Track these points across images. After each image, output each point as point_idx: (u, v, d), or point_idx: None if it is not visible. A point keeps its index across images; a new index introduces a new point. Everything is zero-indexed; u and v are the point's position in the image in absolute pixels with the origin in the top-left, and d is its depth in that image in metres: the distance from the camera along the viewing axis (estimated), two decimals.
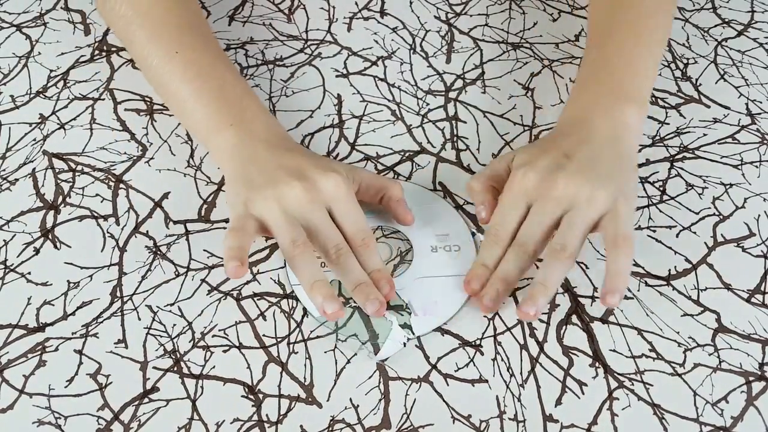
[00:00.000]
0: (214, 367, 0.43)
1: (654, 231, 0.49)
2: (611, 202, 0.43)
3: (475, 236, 0.48)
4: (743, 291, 0.46)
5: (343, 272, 0.43)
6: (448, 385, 0.42)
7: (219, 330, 0.44)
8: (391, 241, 0.48)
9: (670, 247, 0.48)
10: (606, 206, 0.43)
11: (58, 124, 0.55)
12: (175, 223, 0.49)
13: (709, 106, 0.57)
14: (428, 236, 0.48)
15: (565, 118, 0.49)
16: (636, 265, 0.47)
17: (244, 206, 0.43)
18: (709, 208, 0.50)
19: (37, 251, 0.47)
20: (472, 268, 0.45)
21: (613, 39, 0.50)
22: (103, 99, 0.56)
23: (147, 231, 0.48)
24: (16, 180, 0.51)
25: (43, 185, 0.51)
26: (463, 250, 0.47)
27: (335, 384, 0.42)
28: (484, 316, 0.45)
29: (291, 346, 0.43)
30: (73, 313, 0.45)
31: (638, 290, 0.46)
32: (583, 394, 0.42)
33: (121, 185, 0.51)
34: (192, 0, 0.54)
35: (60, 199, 0.50)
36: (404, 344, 0.43)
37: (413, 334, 0.43)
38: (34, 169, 0.52)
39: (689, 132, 0.55)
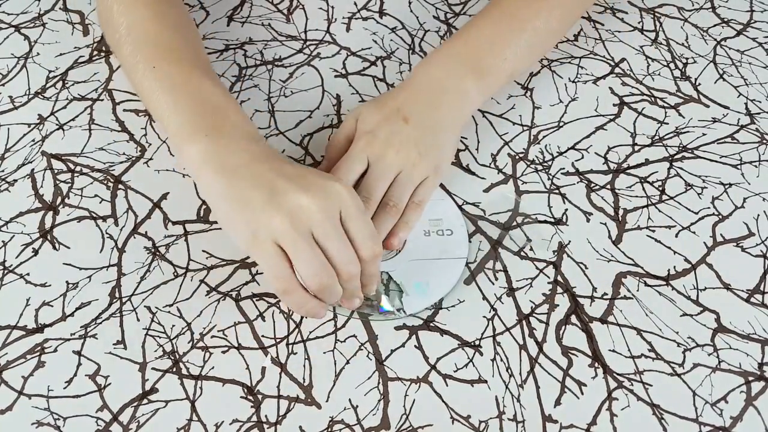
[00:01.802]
0: (213, 367, 0.42)
1: (653, 231, 0.49)
2: (432, 169, 0.48)
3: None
4: (743, 291, 0.46)
5: (343, 288, 0.42)
6: (447, 385, 0.42)
7: (218, 331, 0.44)
8: None
9: (669, 247, 0.48)
10: (426, 173, 0.48)
11: (56, 124, 0.54)
12: (174, 223, 0.49)
13: (708, 106, 0.57)
14: (422, 221, 0.48)
15: (415, 81, 0.50)
16: (635, 265, 0.47)
17: (268, 238, 0.40)
18: (709, 207, 0.50)
19: (35, 252, 0.47)
20: None
21: (487, 15, 0.54)
22: (102, 99, 0.56)
23: (146, 232, 0.48)
24: (15, 181, 0.51)
25: (41, 186, 0.51)
26: (455, 234, 0.48)
27: (334, 385, 0.42)
28: (483, 317, 0.45)
29: (290, 346, 0.43)
30: (71, 314, 0.45)
31: (638, 290, 0.46)
32: (582, 394, 0.42)
33: (120, 186, 0.51)
34: (179, 7, 0.53)
35: (59, 199, 0.50)
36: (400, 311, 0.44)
37: (405, 313, 0.44)
38: (32, 170, 0.52)
39: (688, 132, 0.55)
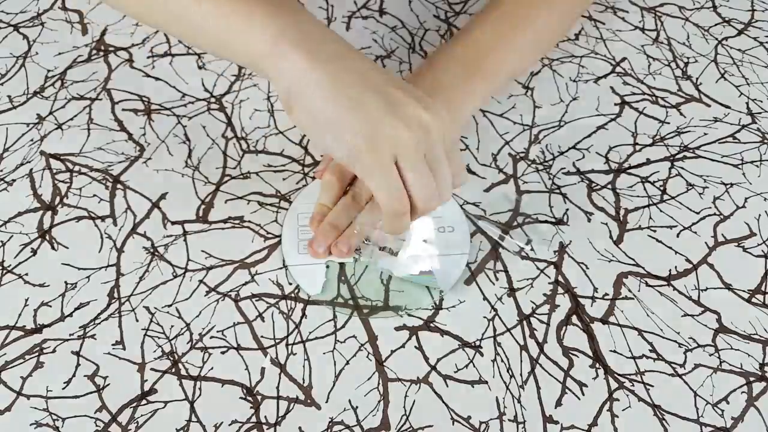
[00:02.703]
0: (212, 368, 0.42)
1: (654, 231, 0.49)
2: None
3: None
4: (744, 291, 0.46)
5: (398, 223, 0.39)
6: (447, 386, 0.42)
7: (217, 331, 0.44)
8: None
9: (670, 247, 0.48)
10: None
11: (55, 124, 0.54)
12: (173, 223, 0.49)
13: (709, 105, 0.57)
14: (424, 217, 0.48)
15: (417, 82, 0.47)
16: (636, 265, 0.47)
17: (377, 147, 0.36)
18: (710, 207, 0.50)
19: (34, 252, 0.47)
20: (321, 228, 0.45)
21: (488, 15, 0.52)
22: (101, 99, 0.56)
23: (145, 232, 0.48)
24: (14, 181, 0.51)
25: (40, 186, 0.51)
26: (456, 230, 0.48)
27: (334, 385, 0.42)
28: (484, 317, 0.45)
29: (289, 347, 0.43)
30: (70, 315, 0.44)
31: (638, 290, 0.46)
32: (583, 395, 0.42)
33: (119, 186, 0.51)
34: None
35: (57, 199, 0.50)
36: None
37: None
38: (31, 169, 0.52)
39: (690, 131, 0.55)
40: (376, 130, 0.36)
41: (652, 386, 0.42)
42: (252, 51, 0.39)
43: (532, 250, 0.48)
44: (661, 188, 0.51)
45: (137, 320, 0.44)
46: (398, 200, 0.37)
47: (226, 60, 0.47)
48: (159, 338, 0.43)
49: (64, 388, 0.41)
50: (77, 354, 0.43)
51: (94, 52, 0.59)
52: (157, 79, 0.57)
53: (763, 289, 0.46)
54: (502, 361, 0.43)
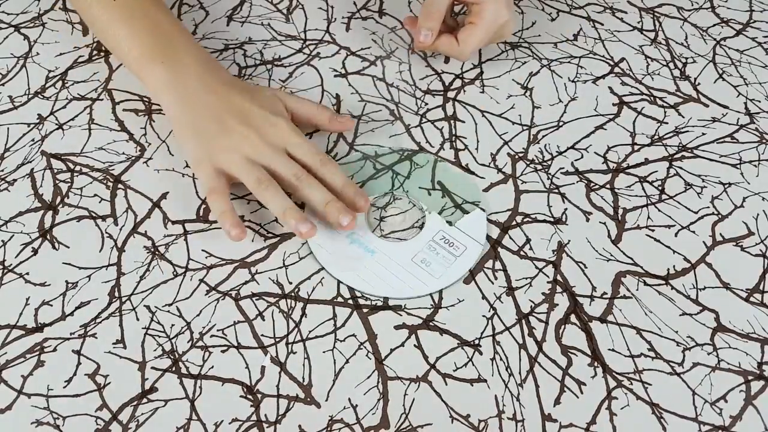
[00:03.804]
0: (212, 367, 0.42)
1: (653, 230, 0.49)
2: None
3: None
4: (742, 290, 0.46)
5: (309, 195, 0.47)
6: (446, 384, 0.42)
7: (217, 330, 0.44)
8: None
9: (668, 247, 0.48)
10: None
11: (56, 124, 0.54)
12: (173, 223, 0.49)
13: (707, 106, 0.57)
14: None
15: None
16: (634, 264, 0.47)
17: (208, 162, 0.48)
18: (708, 207, 0.50)
19: (35, 251, 0.47)
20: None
21: None
22: (102, 99, 0.56)
23: (145, 231, 0.48)
24: (15, 180, 0.51)
25: (41, 185, 0.51)
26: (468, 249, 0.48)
27: (334, 384, 0.42)
28: (483, 316, 0.45)
29: (289, 346, 0.43)
30: (71, 314, 0.45)
31: (637, 289, 0.46)
32: (581, 393, 0.42)
33: (120, 185, 0.51)
34: None
35: (58, 199, 0.50)
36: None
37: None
38: (32, 169, 0.52)
39: (688, 131, 0.55)
40: (207, 150, 0.48)
41: (651, 385, 0.42)
42: (142, 81, 0.52)
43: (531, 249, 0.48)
44: (660, 188, 0.51)
45: (138, 319, 0.44)
46: (216, 189, 0.47)
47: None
48: (159, 337, 0.44)
49: (64, 387, 0.42)
50: (78, 353, 0.43)
51: (95, 52, 0.60)
52: None
53: (761, 288, 0.47)
54: (501, 359, 0.43)
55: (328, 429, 0.40)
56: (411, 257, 0.47)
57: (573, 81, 0.58)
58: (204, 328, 0.44)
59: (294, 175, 0.47)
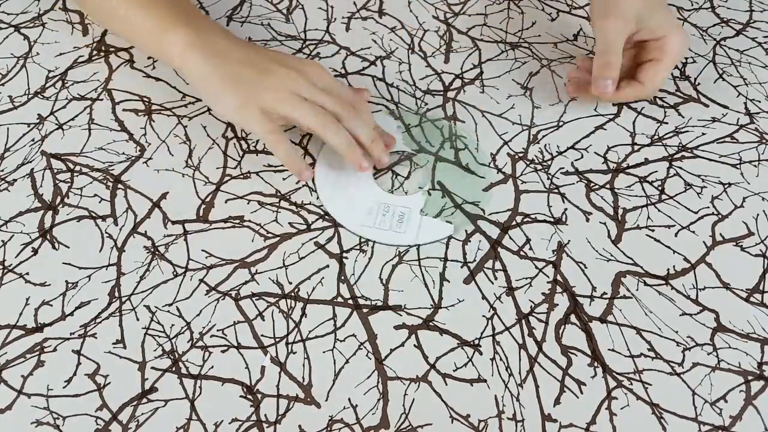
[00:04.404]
0: (212, 367, 0.42)
1: (653, 230, 0.49)
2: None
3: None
4: (742, 290, 0.46)
5: (355, 129, 0.49)
6: (446, 384, 0.42)
7: (217, 330, 0.44)
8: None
9: (668, 247, 0.48)
10: None
11: (56, 124, 0.54)
12: (173, 223, 0.49)
13: (707, 106, 0.57)
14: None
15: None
16: (634, 264, 0.47)
17: (254, 105, 0.47)
18: (708, 207, 0.50)
19: (35, 252, 0.47)
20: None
21: None
22: (102, 99, 0.56)
23: (145, 231, 0.48)
24: (15, 180, 0.51)
25: (41, 186, 0.51)
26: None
27: (334, 384, 0.42)
28: (483, 316, 0.45)
29: (289, 346, 0.43)
30: (71, 314, 0.45)
31: (637, 290, 0.46)
32: (581, 393, 0.42)
33: (120, 185, 0.51)
34: None
35: (58, 199, 0.50)
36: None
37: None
38: (32, 169, 0.52)
39: (688, 131, 0.55)
40: (246, 95, 0.47)
41: (651, 385, 0.42)
42: (165, 54, 0.51)
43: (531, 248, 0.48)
44: (660, 188, 0.51)
45: (138, 319, 0.44)
46: (275, 133, 0.48)
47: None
48: (159, 337, 0.44)
49: (64, 387, 0.42)
50: (78, 353, 0.43)
51: (95, 52, 0.60)
52: (157, 79, 0.58)
53: (761, 288, 0.47)
54: (501, 359, 0.43)
55: (328, 429, 0.40)
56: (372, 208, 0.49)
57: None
58: (204, 328, 0.44)
59: (342, 107, 0.48)
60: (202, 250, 0.48)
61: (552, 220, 0.49)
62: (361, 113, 0.50)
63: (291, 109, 0.47)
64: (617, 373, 0.42)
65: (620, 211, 0.50)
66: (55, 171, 0.52)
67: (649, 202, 0.51)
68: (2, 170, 0.52)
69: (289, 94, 0.47)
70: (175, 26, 0.49)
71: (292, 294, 0.46)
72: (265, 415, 0.41)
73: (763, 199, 0.51)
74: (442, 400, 0.41)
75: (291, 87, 0.48)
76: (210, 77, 0.48)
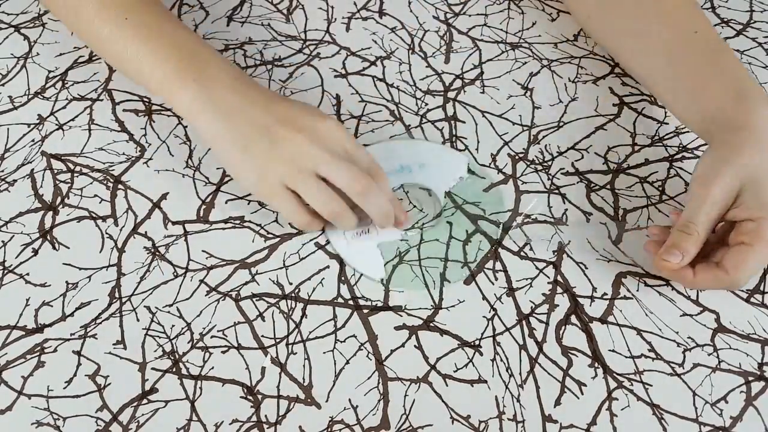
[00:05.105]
0: (212, 368, 0.42)
1: None
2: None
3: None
4: (742, 291, 0.46)
5: (373, 205, 0.45)
6: (447, 385, 0.42)
7: (218, 331, 0.44)
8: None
9: None
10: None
11: (56, 124, 0.54)
12: (173, 223, 0.49)
13: None
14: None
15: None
16: (634, 265, 0.47)
17: (266, 182, 0.44)
18: None
19: (35, 252, 0.47)
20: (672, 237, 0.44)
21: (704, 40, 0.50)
22: (102, 100, 0.56)
23: (145, 232, 0.48)
24: (15, 181, 0.51)
25: (41, 186, 0.51)
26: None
27: (334, 385, 0.42)
28: (483, 317, 0.45)
29: (290, 346, 0.43)
30: (71, 314, 0.45)
31: (637, 290, 0.46)
32: (582, 394, 0.42)
33: (120, 186, 0.51)
34: None
35: (58, 200, 0.50)
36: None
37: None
38: (32, 170, 0.52)
39: (688, 132, 0.55)
40: (264, 168, 0.44)
41: (651, 386, 0.42)
42: (174, 108, 0.47)
43: (531, 249, 0.48)
44: (660, 188, 0.51)
45: (138, 320, 0.44)
46: (298, 215, 0.45)
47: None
48: (160, 338, 0.44)
49: (65, 388, 0.42)
50: (78, 353, 0.43)
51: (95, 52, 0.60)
52: None
53: (761, 288, 0.47)
54: (502, 360, 0.43)
55: (329, 430, 0.40)
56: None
57: (573, 81, 0.58)
58: (204, 328, 0.44)
59: (359, 183, 0.44)
60: (203, 251, 0.48)
61: (552, 220, 0.49)
62: (377, 183, 0.45)
63: (302, 191, 0.44)
64: (618, 374, 0.43)
65: (621, 212, 0.50)
66: (56, 171, 0.52)
67: (649, 202, 0.51)
68: (2, 171, 0.52)
69: (298, 170, 0.44)
70: (185, 81, 0.46)
71: (293, 295, 0.46)
72: (266, 415, 0.41)
73: None
74: (443, 401, 0.41)
75: (302, 160, 0.44)
76: (221, 141, 0.45)
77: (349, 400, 0.41)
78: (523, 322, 0.45)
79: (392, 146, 0.53)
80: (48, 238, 0.48)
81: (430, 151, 0.53)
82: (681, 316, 0.45)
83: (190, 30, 0.50)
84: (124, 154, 0.53)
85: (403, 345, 0.44)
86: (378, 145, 0.53)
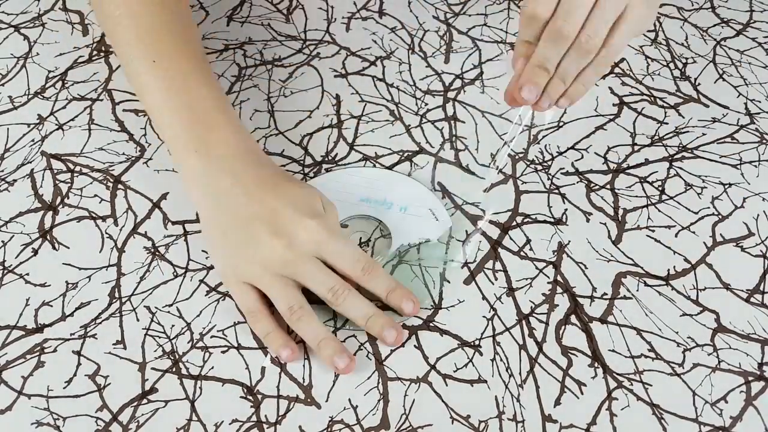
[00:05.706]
0: (212, 367, 0.42)
1: (653, 231, 0.49)
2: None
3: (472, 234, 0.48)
4: (742, 291, 0.46)
5: (348, 312, 0.43)
6: (447, 385, 0.42)
7: (217, 331, 0.44)
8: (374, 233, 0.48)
9: (669, 247, 0.48)
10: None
11: (56, 124, 0.54)
12: (173, 223, 0.49)
13: (708, 106, 0.57)
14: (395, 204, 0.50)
15: None
16: (635, 264, 0.47)
17: (235, 277, 0.44)
18: (708, 207, 0.50)
19: (35, 252, 0.47)
20: (526, 71, 0.42)
21: None
22: (102, 99, 0.56)
23: (145, 232, 0.48)
24: (15, 181, 0.51)
25: (41, 186, 0.51)
26: (435, 213, 0.49)
27: (334, 384, 0.42)
28: (483, 317, 0.45)
29: None
30: (71, 314, 0.45)
31: (637, 290, 0.46)
32: (582, 394, 0.42)
33: (120, 186, 0.51)
34: (182, 3, 0.51)
35: (58, 199, 0.50)
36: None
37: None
38: (32, 169, 0.52)
39: (688, 132, 0.55)
40: (233, 263, 0.44)
41: (651, 385, 0.42)
42: (179, 170, 0.47)
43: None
44: (660, 188, 0.51)
45: (138, 320, 0.44)
46: (255, 312, 0.44)
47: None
48: (160, 338, 0.44)
49: (65, 388, 0.42)
50: (78, 353, 0.43)
51: (95, 52, 0.60)
52: None
53: (761, 288, 0.47)
54: (501, 360, 0.43)
55: (329, 430, 0.40)
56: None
57: None
58: (204, 328, 0.44)
59: (329, 291, 0.42)
60: (203, 251, 0.48)
61: (552, 220, 0.49)
62: (368, 281, 0.44)
63: (267, 291, 0.43)
64: (617, 374, 0.42)
65: (620, 212, 0.50)
66: (55, 171, 0.52)
67: (649, 202, 0.51)
68: (2, 170, 0.52)
69: (268, 273, 0.42)
70: (187, 151, 0.45)
71: None
72: (266, 415, 0.41)
73: (763, 199, 0.51)
74: (443, 401, 0.41)
75: (273, 264, 0.42)
76: (205, 219, 0.45)
77: (349, 400, 0.41)
78: (523, 322, 0.45)
79: (392, 178, 0.51)
80: (48, 238, 0.48)
81: (422, 198, 0.50)
82: (681, 316, 0.45)
83: (213, 88, 0.48)
84: (124, 154, 0.53)
85: (402, 345, 0.44)
86: (377, 171, 0.52)
